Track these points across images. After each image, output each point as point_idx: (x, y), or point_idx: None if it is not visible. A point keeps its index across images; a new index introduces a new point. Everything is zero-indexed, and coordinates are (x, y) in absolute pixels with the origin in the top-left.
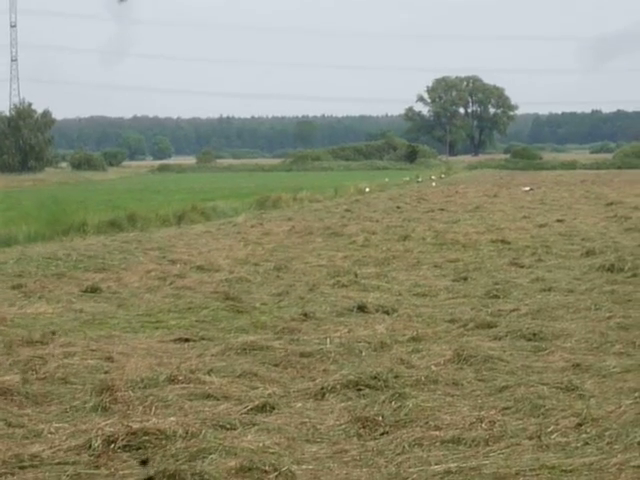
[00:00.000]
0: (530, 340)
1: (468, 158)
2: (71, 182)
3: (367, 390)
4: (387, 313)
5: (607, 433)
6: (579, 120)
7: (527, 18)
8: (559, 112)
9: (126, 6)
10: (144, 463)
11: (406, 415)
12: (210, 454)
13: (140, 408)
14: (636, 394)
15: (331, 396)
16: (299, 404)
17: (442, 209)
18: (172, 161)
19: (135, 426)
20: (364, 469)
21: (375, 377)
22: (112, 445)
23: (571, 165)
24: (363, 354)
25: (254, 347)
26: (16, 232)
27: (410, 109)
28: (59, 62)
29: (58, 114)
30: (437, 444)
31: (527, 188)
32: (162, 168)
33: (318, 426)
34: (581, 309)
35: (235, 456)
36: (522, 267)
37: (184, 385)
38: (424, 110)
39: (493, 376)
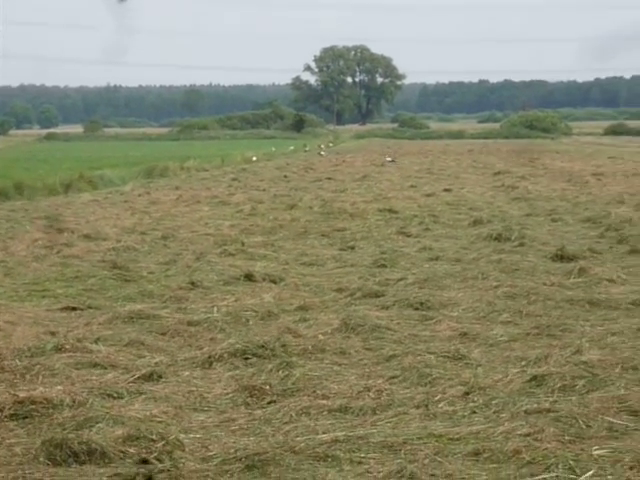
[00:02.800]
0: (417, 309)
1: (356, 127)
2: None
3: (254, 359)
4: (274, 282)
5: (494, 402)
6: (466, 90)
7: None
8: (446, 82)
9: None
10: (144, 463)
11: (293, 384)
12: (97, 423)
13: (27, 377)
14: (523, 363)
15: (218, 365)
16: (186, 373)
17: (329, 178)
18: (59, 130)
19: (22, 395)
20: (251, 438)
21: (262, 346)
22: None
23: (458, 134)
24: (250, 323)
25: (141, 316)
26: None
27: (297, 78)
28: None
29: None
30: (324, 413)
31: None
32: (49, 137)
33: (205, 395)
34: (468, 278)
35: (122, 425)
36: (409, 236)
37: (71, 354)
38: (311, 79)
39: (380, 345)
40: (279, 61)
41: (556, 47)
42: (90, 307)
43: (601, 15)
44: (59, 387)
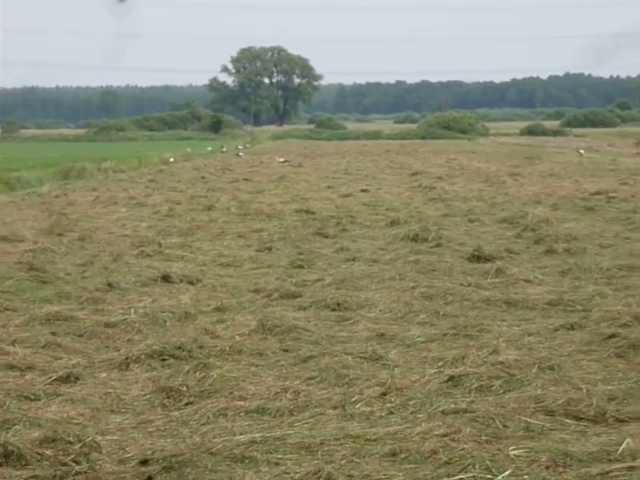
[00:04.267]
0: (334, 310)
1: (273, 128)
2: None
3: (171, 360)
4: (191, 283)
5: (411, 402)
6: (383, 90)
7: None
8: (363, 82)
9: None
10: (144, 463)
11: (210, 385)
12: (14, 425)
13: None
14: (440, 363)
15: (135, 366)
16: (103, 374)
17: (247, 179)
18: None
19: None
20: (169, 439)
21: (179, 347)
22: None
23: (375, 135)
24: (167, 324)
25: (58, 317)
26: None
27: (215, 79)
28: None
29: None
30: (242, 414)
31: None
32: None
33: (122, 396)
34: (385, 279)
35: (39, 427)
36: (326, 237)
37: None
38: (229, 80)
39: (298, 346)
40: (196, 62)
41: (472, 47)
42: (7, 309)
43: (512, 16)
44: None
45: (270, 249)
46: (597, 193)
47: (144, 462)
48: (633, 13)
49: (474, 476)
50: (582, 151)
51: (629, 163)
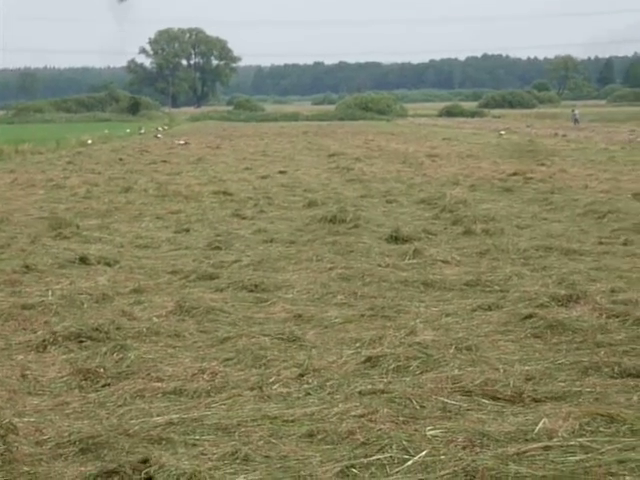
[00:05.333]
0: (252, 291)
1: (191, 110)
2: None
3: (89, 342)
4: (109, 265)
5: (328, 383)
6: (301, 72)
7: None
8: (281, 64)
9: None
10: (144, 463)
11: (128, 367)
12: None
13: None
14: (357, 344)
15: (53, 348)
16: (20, 356)
17: (165, 161)
18: None
19: None
20: (85, 421)
21: (97, 329)
22: None
23: (294, 117)
24: (85, 306)
25: None
26: None
27: (132, 61)
28: None
29: None
30: (159, 395)
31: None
32: None
33: (40, 378)
34: (303, 260)
35: None
36: (244, 218)
37: None
38: (147, 62)
39: (215, 327)
40: (114, 44)
41: (390, 29)
42: None
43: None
44: None
45: (188, 230)
46: (515, 174)
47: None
48: None
49: (391, 456)
50: (502, 132)
51: (546, 144)
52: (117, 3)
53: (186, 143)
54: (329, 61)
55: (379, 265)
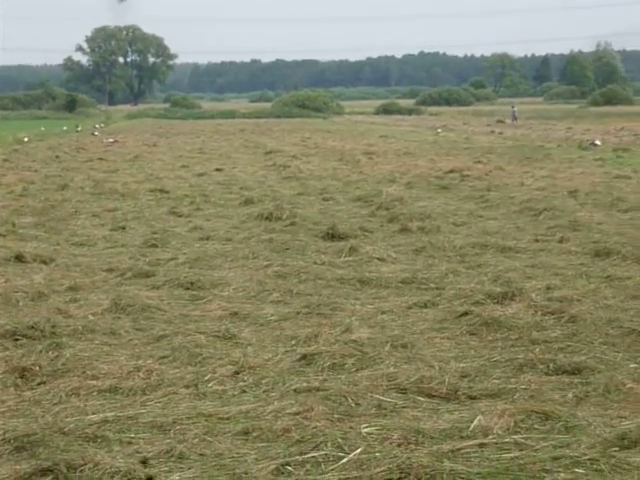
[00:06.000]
0: (188, 289)
1: (128, 107)
2: None
3: (24, 340)
4: (45, 263)
5: (264, 381)
6: (238, 69)
7: None
8: (218, 61)
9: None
10: (144, 463)
11: (63, 365)
12: None
13: None
14: (293, 342)
15: None
16: None
17: (101, 158)
18: None
19: None
20: (21, 419)
21: (32, 327)
22: None
23: (230, 114)
24: (20, 304)
25: None
26: None
27: (69, 59)
28: None
29: None
30: (94, 393)
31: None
32: None
33: None
34: (239, 258)
35: None
36: (180, 216)
37: None
38: (83, 60)
39: (151, 325)
40: (51, 42)
41: (327, 26)
42: None
43: None
44: None
45: (124, 228)
46: (451, 171)
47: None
48: None
49: (326, 454)
50: (439, 130)
51: (483, 142)
52: (117, 3)
53: (115, 141)
54: (266, 59)
55: (315, 263)
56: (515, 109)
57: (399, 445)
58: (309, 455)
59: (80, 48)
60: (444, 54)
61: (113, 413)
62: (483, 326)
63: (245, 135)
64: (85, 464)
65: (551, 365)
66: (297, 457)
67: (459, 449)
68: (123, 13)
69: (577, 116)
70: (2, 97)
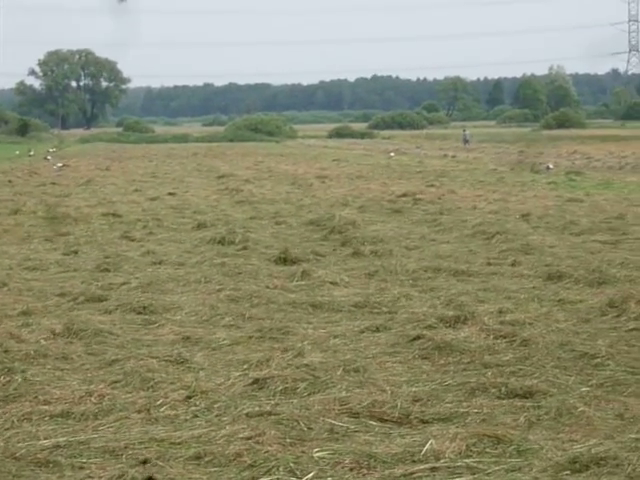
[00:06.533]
0: (140, 313)
1: (81, 132)
2: None
3: None
4: None
5: (216, 405)
6: (191, 93)
7: None
8: (171, 85)
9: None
10: (144, 463)
11: (15, 390)
12: None
13: None
14: (245, 366)
15: None
16: None
17: (54, 183)
18: None
19: None
20: None
21: None
22: None
23: (183, 138)
24: None
25: None
26: None
27: (22, 83)
28: None
29: None
30: (46, 418)
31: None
32: None
33: None
34: (192, 282)
35: None
36: (133, 240)
37: None
38: (36, 84)
39: (103, 350)
40: (3, 65)
41: (279, 50)
42: None
43: (319, 19)
44: None
45: (76, 252)
46: (404, 195)
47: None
48: (440, 19)
49: (278, 478)
50: (392, 154)
51: (436, 165)
52: (117, 3)
53: (64, 165)
54: (219, 82)
55: (267, 287)
56: (467, 132)
57: (351, 469)
58: None
59: (33, 72)
60: (397, 77)
61: (65, 438)
62: (435, 350)
63: (198, 159)
64: None
65: (503, 389)
66: None
67: (411, 473)
68: (123, 13)
69: (530, 139)
70: None
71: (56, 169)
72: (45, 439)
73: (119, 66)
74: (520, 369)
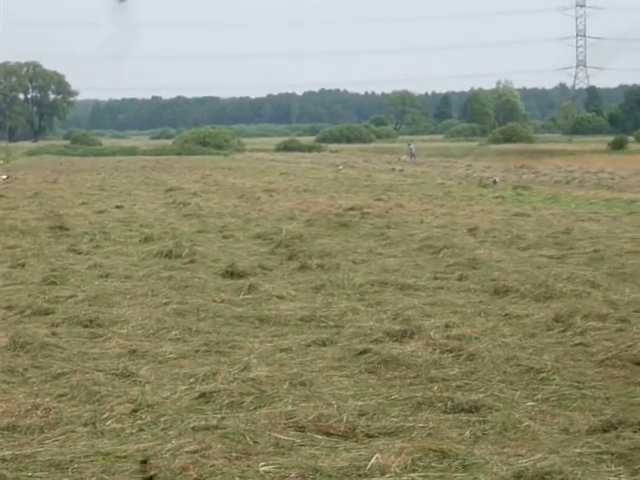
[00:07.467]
0: (87, 326)
1: (28, 144)
2: None
3: None
4: None
5: (162, 419)
6: (139, 106)
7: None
8: (119, 98)
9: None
10: (144, 463)
11: None
12: None
13: None
14: (191, 380)
15: None
16: None
17: (1, 195)
18: None
19: None
20: None
21: None
22: None
23: (131, 151)
24: None
25: None
26: None
27: None
28: None
29: None
30: None
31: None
32: None
33: None
34: (138, 295)
35: None
36: (80, 253)
37: None
38: None
39: (49, 363)
40: None
41: (227, 63)
42: None
43: (266, 31)
44: None
45: (23, 265)
46: (351, 209)
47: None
48: (388, 33)
49: None
50: (340, 167)
51: (384, 179)
52: (117, 3)
53: (9, 177)
54: (167, 95)
55: (214, 300)
56: (412, 147)
57: None
58: None
59: None
60: (345, 91)
61: (10, 452)
62: (382, 364)
63: (146, 172)
64: None
65: (449, 403)
66: None
67: None
68: (123, 13)
69: (477, 154)
70: None
71: (1, 182)
72: None
73: (67, 79)
74: (466, 383)
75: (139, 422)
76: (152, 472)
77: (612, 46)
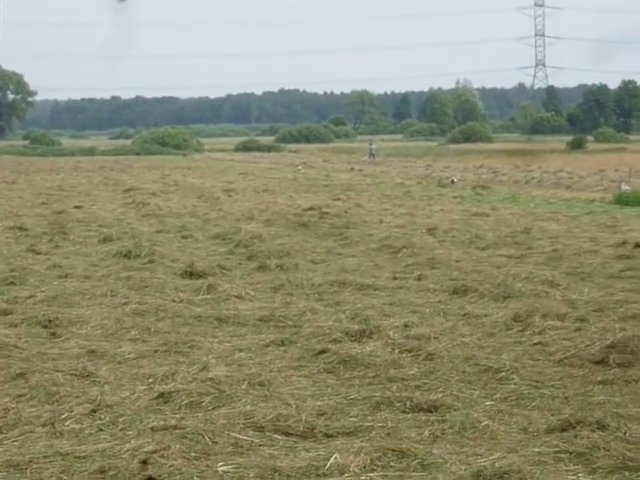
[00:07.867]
0: (46, 327)
1: None
2: None
3: None
4: None
5: (121, 419)
6: (98, 106)
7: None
8: (78, 98)
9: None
10: (144, 463)
11: None
12: None
13: None
14: (150, 380)
15: None
16: None
17: None
18: None
19: None
20: None
21: None
22: None
23: (90, 151)
24: None
25: None
26: None
27: None
28: None
29: None
30: None
31: None
32: None
33: None
34: (97, 295)
35: None
36: (39, 254)
37: None
38: None
39: (8, 363)
40: None
41: (186, 63)
42: None
43: (223, 32)
44: None
45: None
46: (310, 209)
47: None
48: (347, 32)
49: None
50: (300, 167)
51: (343, 179)
52: (117, 3)
53: None
54: (126, 95)
55: (173, 300)
56: (373, 146)
57: None
58: None
59: None
60: (304, 91)
61: None
62: (340, 364)
63: (105, 172)
64: None
65: (408, 403)
66: None
67: None
68: (123, 13)
69: (436, 153)
70: None
71: None
72: None
73: (26, 79)
74: (425, 383)
75: (98, 422)
76: (151, 472)
77: (571, 46)
